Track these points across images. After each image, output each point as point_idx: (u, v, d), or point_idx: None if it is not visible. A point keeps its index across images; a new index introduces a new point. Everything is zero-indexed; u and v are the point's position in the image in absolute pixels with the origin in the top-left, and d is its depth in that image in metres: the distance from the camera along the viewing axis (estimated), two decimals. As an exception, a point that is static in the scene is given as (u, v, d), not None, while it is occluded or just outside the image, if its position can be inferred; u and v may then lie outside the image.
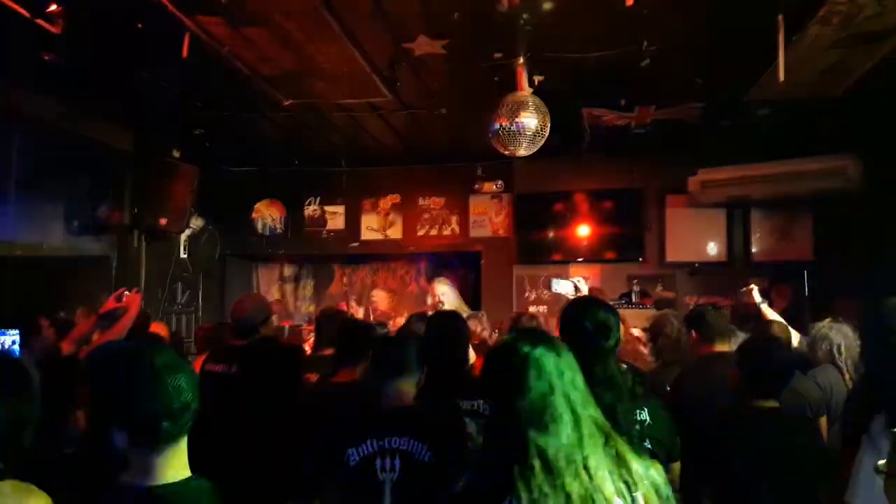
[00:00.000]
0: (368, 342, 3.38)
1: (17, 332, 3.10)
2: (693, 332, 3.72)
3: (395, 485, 2.45)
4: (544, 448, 1.52)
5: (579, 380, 1.65)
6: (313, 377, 3.79)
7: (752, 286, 4.53)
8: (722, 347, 3.58)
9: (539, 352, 1.64)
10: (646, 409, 2.54)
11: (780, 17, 3.93)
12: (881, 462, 1.67)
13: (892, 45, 4.33)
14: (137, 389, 1.65)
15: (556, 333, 4.25)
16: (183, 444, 1.69)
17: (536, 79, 4.71)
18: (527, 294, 7.66)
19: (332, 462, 2.51)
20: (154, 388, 1.64)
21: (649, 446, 2.38)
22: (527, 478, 1.50)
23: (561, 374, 1.61)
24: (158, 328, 5.07)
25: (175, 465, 1.67)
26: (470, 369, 3.51)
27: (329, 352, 3.95)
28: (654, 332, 4.16)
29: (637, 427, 2.40)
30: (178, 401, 1.64)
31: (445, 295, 6.17)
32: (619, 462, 1.57)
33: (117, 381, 1.67)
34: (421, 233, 8.08)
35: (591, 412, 1.61)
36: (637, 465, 1.59)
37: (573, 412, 1.58)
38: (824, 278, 6.75)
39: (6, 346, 3.00)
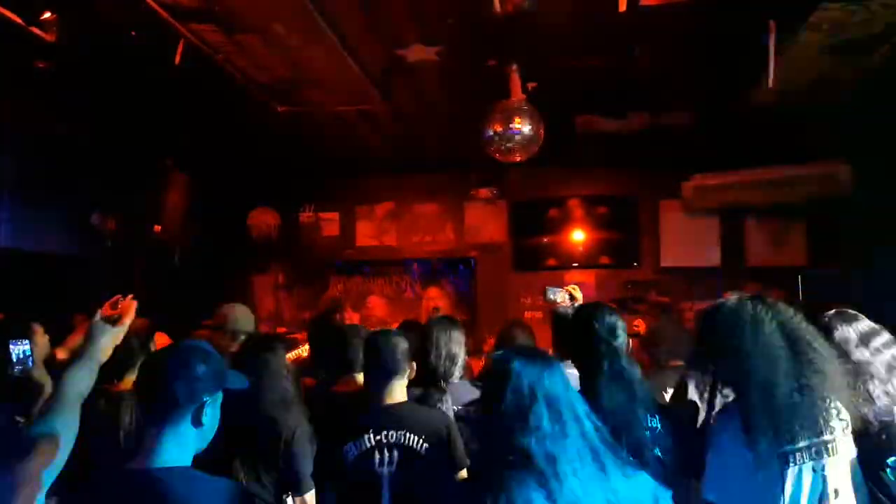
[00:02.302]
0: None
1: (27, 341, 3.08)
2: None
3: (393, 477, 2.53)
4: (528, 447, 1.56)
5: (569, 394, 1.70)
6: (310, 381, 3.79)
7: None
8: None
9: (519, 363, 1.71)
10: (657, 417, 2.55)
11: (772, 24, 3.96)
12: (891, 459, 1.69)
13: (883, 52, 4.36)
14: (159, 359, 1.78)
15: (549, 340, 4.25)
16: (189, 431, 1.73)
17: (530, 85, 4.74)
18: (522, 300, 7.66)
19: (331, 458, 2.57)
20: (171, 362, 1.74)
21: (659, 454, 2.37)
22: (509, 476, 1.54)
23: (543, 385, 1.67)
24: (162, 338, 5.03)
25: (178, 451, 1.70)
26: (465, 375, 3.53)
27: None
28: (651, 336, 4.15)
29: (647, 433, 2.41)
30: (188, 379, 1.69)
31: (440, 300, 6.17)
32: (605, 479, 1.59)
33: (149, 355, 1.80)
34: (416, 239, 8.08)
35: (583, 425, 1.65)
36: (621, 485, 1.60)
37: (561, 422, 1.62)
38: (818, 283, 6.77)
39: (19, 357, 2.99)
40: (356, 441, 2.56)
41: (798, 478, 1.96)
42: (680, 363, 4.03)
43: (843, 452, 2.03)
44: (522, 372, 1.69)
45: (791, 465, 1.96)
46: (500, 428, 1.63)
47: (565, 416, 1.63)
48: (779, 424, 1.95)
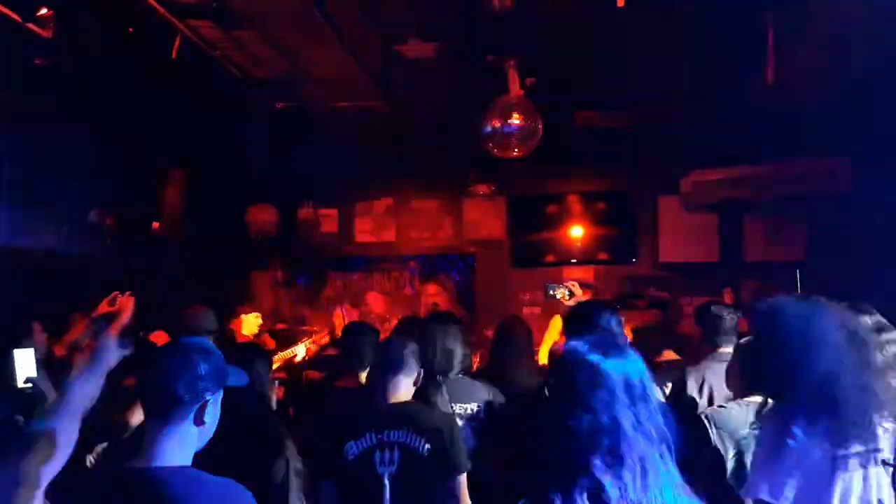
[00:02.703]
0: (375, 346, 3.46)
1: (31, 349, 3.06)
2: (700, 330, 3.56)
3: (394, 477, 2.51)
4: (601, 482, 1.36)
5: (653, 396, 1.46)
6: (316, 375, 3.80)
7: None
8: (727, 349, 3.36)
9: (609, 364, 1.44)
10: (659, 415, 2.54)
11: (771, 17, 3.96)
12: (886, 455, 1.68)
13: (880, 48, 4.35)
14: (160, 358, 1.75)
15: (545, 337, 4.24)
16: (191, 430, 1.71)
17: (528, 81, 4.73)
18: (521, 296, 7.66)
19: (332, 456, 2.54)
20: (173, 361, 1.72)
21: None
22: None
23: (630, 390, 1.43)
24: (160, 336, 5.03)
25: (179, 451, 1.69)
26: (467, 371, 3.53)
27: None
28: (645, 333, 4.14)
29: None
30: (191, 378, 1.67)
31: (439, 296, 6.17)
32: None
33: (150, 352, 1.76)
34: (415, 235, 8.07)
35: (661, 450, 1.42)
36: None
37: (638, 444, 1.40)
38: (816, 279, 6.77)
39: (24, 364, 2.98)
40: (357, 440, 2.54)
41: (848, 484, 1.93)
42: (673, 357, 4.03)
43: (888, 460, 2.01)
44: (615, 396, 1.41)
45: (842, 470, 1.92)
46: (568, 447, 1.40)
47: (650, 439, 1.41)
48: (837, 427, 1.90)
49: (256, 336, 6.14)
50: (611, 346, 1.51)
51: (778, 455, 1.95)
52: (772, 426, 2.03)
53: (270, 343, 5.90)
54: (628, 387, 1.43)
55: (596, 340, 1.54)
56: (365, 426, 2.56)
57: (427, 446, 2.54)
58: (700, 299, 6.42)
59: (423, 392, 3.05)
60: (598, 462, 1.37)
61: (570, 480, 1.37)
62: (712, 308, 3.52)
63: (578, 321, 2.70)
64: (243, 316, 6.05)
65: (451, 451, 2.58)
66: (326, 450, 2.59)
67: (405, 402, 2.68)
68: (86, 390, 1.98)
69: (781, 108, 5.55)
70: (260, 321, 6.20)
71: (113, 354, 2.11)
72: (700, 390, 3.29)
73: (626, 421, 1.40)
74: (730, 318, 3.45)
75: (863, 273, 5.40)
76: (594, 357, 1.46)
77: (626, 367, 1.46)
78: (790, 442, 1.92)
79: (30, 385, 2.93)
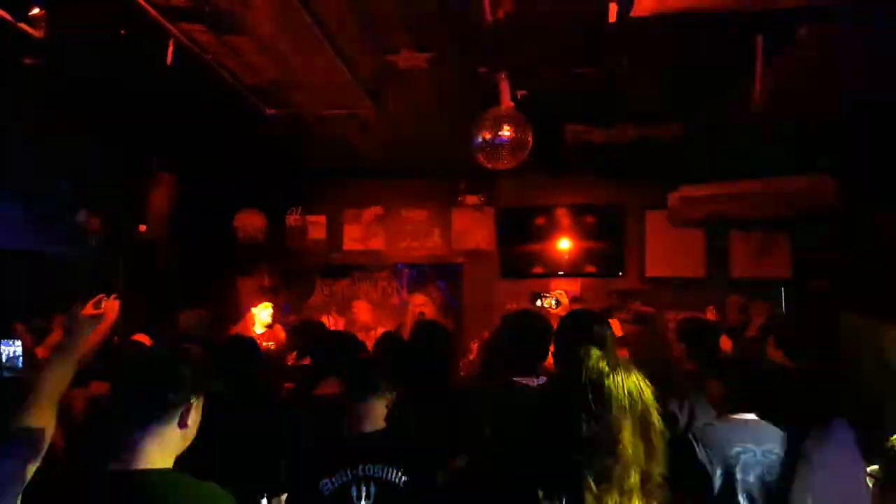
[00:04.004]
0: (350, 354, 3.47)
1: (19, 341, 3.07)
2: (682, 345, 3.59)
3: None
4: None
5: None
6: (290, 385, 3.80)
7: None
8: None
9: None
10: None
11: (759, 39, 4.00)
12: (873, 468, 1.68)
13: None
14: (146, 360, 1.82)
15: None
16: (174, 433, 1.71)
17: (519, 93, 4.75)
18: (508, 307, 7.66)
19: (306, 493, 2.51)
20: (159, 363, 1.76)
21: None
22: None
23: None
24: (142, 339, 5.00)
25: (161, 453, 1.68)
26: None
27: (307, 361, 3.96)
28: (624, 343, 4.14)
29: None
30: (177, 380, 1.68)
31: (426, 306, 6.18)
32: None
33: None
34: (403, 244, 8.08)
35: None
36: None
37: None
38: (802, 296, 6.83)
39: (9, 357, 2.97)
40: (333, 476, 2.49)
41: None
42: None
43: None
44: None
45: None
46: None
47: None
48: None
49: (269, 327, 6.09)
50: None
51: (840, 474, 1.97)
52: (837, 444, 2.04)
53: (281, 335, 5.86)
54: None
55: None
56: (339, 461, 2.51)
57: (403, 478, 2.49)
58: (686, 314, 6.47)
59: (418, 403, 3.02)
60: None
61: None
62: (694, 324, 3.53)
63: (572, 330, 2.70)
64: (253, 310, 5.99)
65: (427, 481, 2.53)
66: (302, 486, 2.55)
67: (380, 431, 2.61)
68: (59, 377, 1.97)
69: (769, 125, 5.60)
70: (271, 310, 6.16)
71: (83, 333, 2.10)
72: (681, 406, 3.30)
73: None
74: (710, 335, 3.47)
75: (848, 290, 5.44)
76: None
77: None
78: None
79: (9, 368, 2.93)
